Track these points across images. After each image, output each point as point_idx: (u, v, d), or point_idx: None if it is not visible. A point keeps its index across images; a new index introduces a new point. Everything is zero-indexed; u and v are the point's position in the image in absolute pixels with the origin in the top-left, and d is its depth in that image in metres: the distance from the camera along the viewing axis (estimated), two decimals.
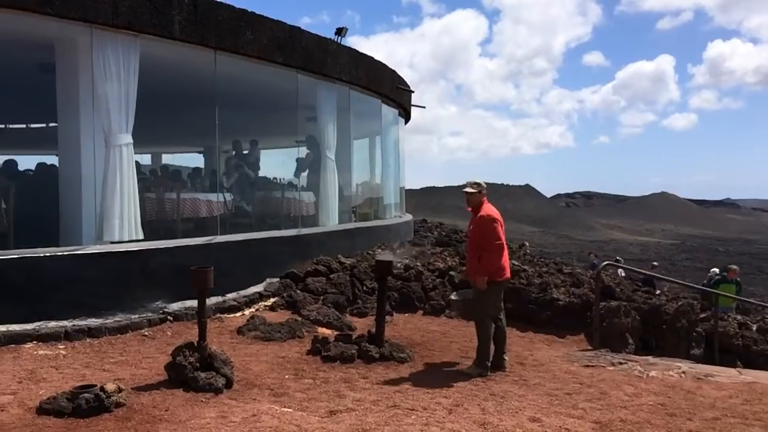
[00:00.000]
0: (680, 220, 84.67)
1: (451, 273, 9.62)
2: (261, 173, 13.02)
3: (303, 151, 12.50)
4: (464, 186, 6.17)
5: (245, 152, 12.92)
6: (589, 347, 7.57)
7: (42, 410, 4.36)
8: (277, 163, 17.03)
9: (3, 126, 15.71)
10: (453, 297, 6.99)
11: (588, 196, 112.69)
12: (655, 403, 5.24)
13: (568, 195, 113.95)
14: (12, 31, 7.45)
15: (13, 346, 5.98)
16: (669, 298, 10.31)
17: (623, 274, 15.80)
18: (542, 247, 44.59)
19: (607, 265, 9.31)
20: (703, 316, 9.11)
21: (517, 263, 10.67)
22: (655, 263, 23.77)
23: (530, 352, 7.06)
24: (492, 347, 6.06)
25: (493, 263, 5.94)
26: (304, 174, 12.42)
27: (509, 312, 8.62)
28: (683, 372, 6.35)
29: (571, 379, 5.94)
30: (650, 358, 7.10)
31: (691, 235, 69.86)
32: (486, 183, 6.22)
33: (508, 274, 6.19)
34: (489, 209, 6.05)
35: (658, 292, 11.97)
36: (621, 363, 6.61)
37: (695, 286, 14.01)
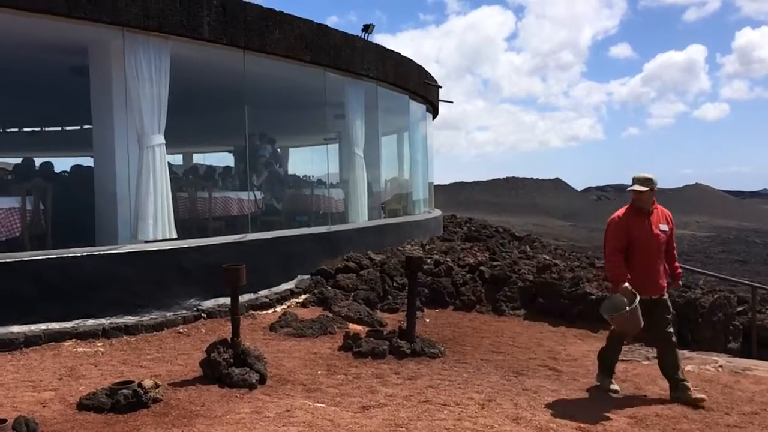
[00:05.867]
0: (715, 212, 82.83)
1: (482, 268, 9.57)
2: (290, 171, 13.11)
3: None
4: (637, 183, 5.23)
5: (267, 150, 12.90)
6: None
7: (82, 406, 4.47)
8: (305, 161, 17.19)
9: (39, 129, 16.07)
10: (607, 314, 5.18)
11: (621, 189, 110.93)
12: None
13: (599, 188, 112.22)
14: (46, 36, 7.63)
15: (53, 343, 6.12)
16: (705, 291, 10.12)
17: None
18: (574, 241, 44.06)
19: None
20: (740, 309, 8.93)
21: (548, 257, 10.58)
22: None
23: (563, 347, 7.01)
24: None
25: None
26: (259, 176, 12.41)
27: (540, 307, 8.61)
28: (720, 366, 6.25)
29: None
30: (686, 352, 6.99)
31: (727, 227, 68.31)
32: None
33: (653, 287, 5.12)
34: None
35: None
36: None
37: None
